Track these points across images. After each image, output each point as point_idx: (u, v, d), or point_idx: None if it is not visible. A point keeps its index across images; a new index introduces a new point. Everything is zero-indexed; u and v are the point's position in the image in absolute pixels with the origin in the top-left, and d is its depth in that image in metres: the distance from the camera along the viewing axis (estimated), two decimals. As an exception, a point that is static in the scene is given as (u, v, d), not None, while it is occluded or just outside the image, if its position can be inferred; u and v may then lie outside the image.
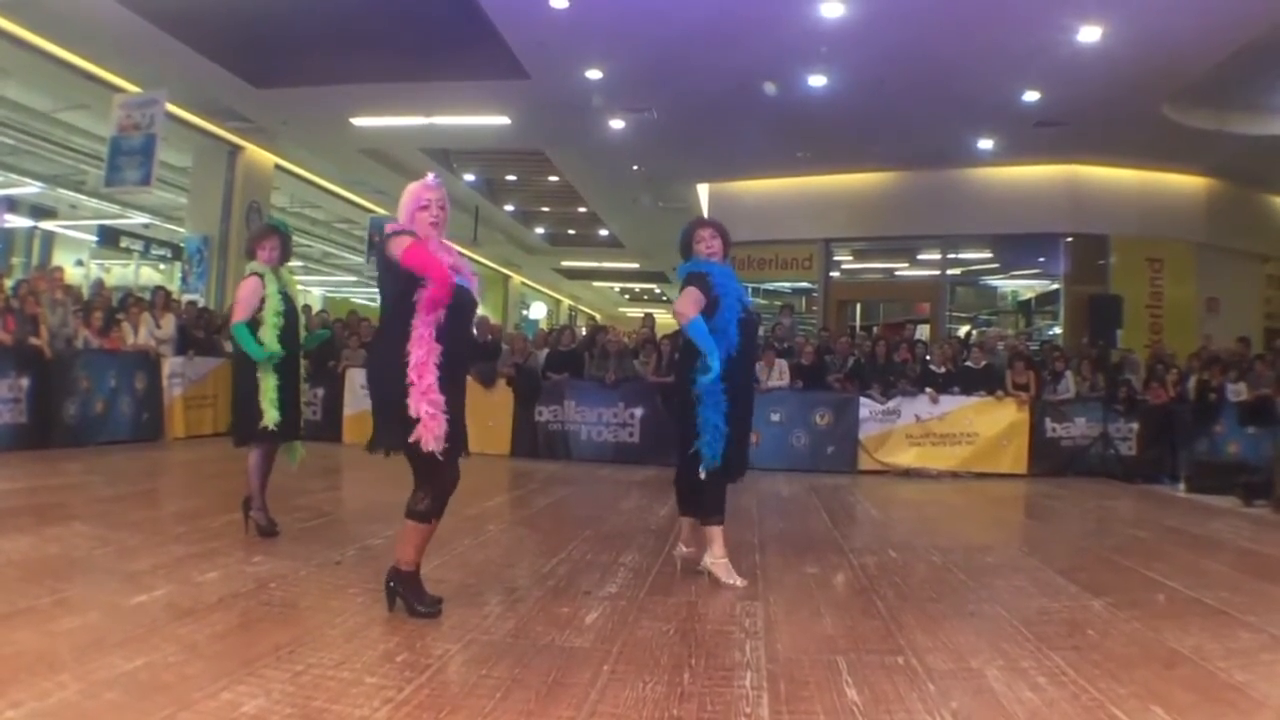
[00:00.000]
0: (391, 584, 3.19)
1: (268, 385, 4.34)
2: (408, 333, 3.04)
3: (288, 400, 4.41)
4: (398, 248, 3.02)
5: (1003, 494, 7.98)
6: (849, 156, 12.50)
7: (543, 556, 4.33)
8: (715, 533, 3.94)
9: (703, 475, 3.84)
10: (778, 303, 14.14)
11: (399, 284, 3.08)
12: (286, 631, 2.93)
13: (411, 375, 3.01)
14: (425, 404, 3.01)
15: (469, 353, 3.23)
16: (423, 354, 3.02)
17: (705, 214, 14.62)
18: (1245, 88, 9.54)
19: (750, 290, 13.48)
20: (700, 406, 3.81)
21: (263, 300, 4.37)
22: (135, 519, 4.78)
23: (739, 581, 3.85)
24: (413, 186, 3.24)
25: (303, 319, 4.67)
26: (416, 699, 2.41)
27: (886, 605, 3.64)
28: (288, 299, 4.50)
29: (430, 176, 3.29)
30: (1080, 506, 7.31)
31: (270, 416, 4.33)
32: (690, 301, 3.76)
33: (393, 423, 3.07)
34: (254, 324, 4.36)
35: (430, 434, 3.00)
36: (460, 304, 3.12)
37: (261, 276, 4.41)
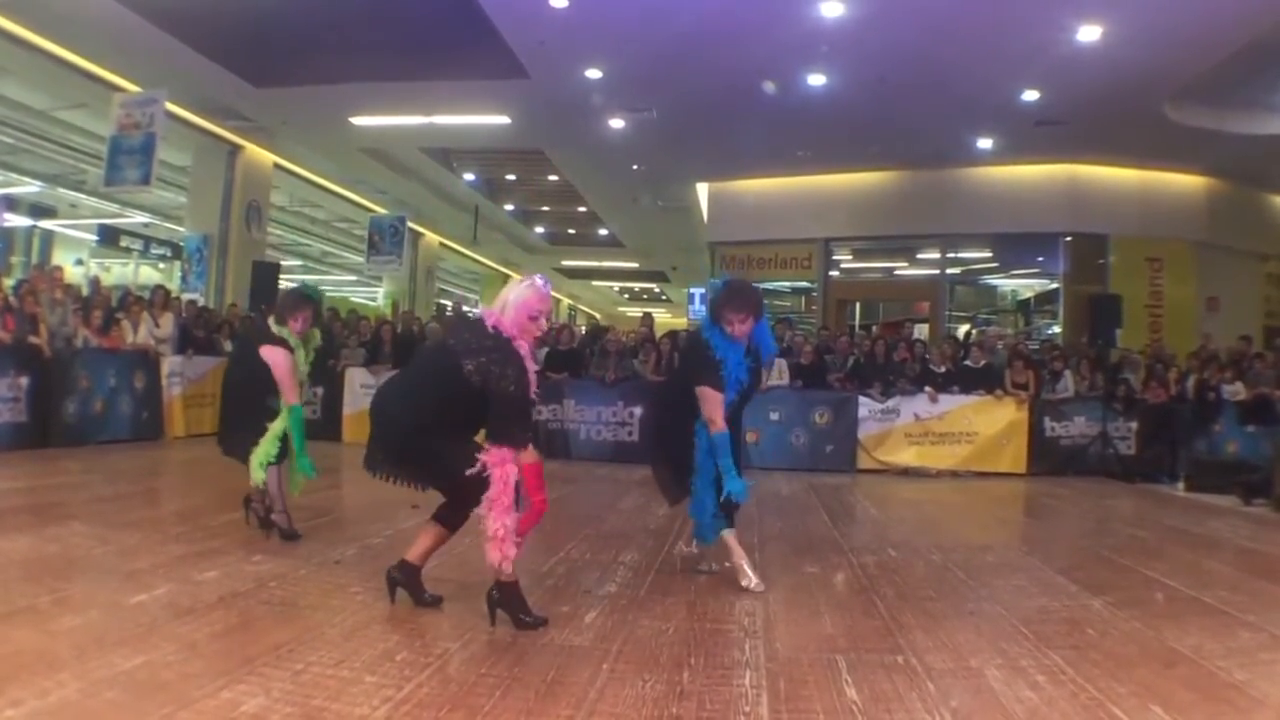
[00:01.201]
0: (495, 594, 3.13)
1: (268, 442, 4.36)
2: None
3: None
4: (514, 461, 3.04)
5: (1002, 493, 7.98)
6: (849, 156, 12.50)
7: (542, 555, 4.33)
8: (726, 536, 3.93)
9: (695, 549, 4.02)
10: (778, 302, 14.12)
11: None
12: (286, 630, 2.93)
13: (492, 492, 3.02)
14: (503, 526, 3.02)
15: None
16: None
17: (705, 214, 14.62)
18: (1245, 88, 9.54)
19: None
20: (699, 455, 3.88)
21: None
22: (135, 518, 4.79)
23: (755, 584, 3.79)
24: (524, 292, 3.12)
25: (311, 355, 4.69)
26: (416, 697, 2.41)
27: (886, 604, 3.65)
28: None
29: (542, 281, 3.20)
30: (1079, 506, 7.31)
31: (256, 478, 4.37)
32: (717, 407, 3.77)
33: (420, 461, 3.12)
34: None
35: (498, 554, 3.04)
36: None
37: (291, 349, 4.39)
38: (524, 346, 3.08)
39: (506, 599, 3.12)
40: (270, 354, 4.33)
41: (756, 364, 3.93)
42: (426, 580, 3.37)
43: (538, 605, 3.37)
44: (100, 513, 4.84)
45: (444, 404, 3.06)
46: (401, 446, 3.12)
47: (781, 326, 10.36)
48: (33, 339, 7.67)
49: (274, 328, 4.43)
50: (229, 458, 4.67)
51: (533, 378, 3.08)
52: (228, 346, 9.42)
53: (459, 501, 3.22)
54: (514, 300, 3.10)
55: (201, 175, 13.24)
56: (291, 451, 4.54)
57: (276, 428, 4.38)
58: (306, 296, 4.62)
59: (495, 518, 3.01)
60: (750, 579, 3.80)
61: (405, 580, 3.31)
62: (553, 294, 3.30)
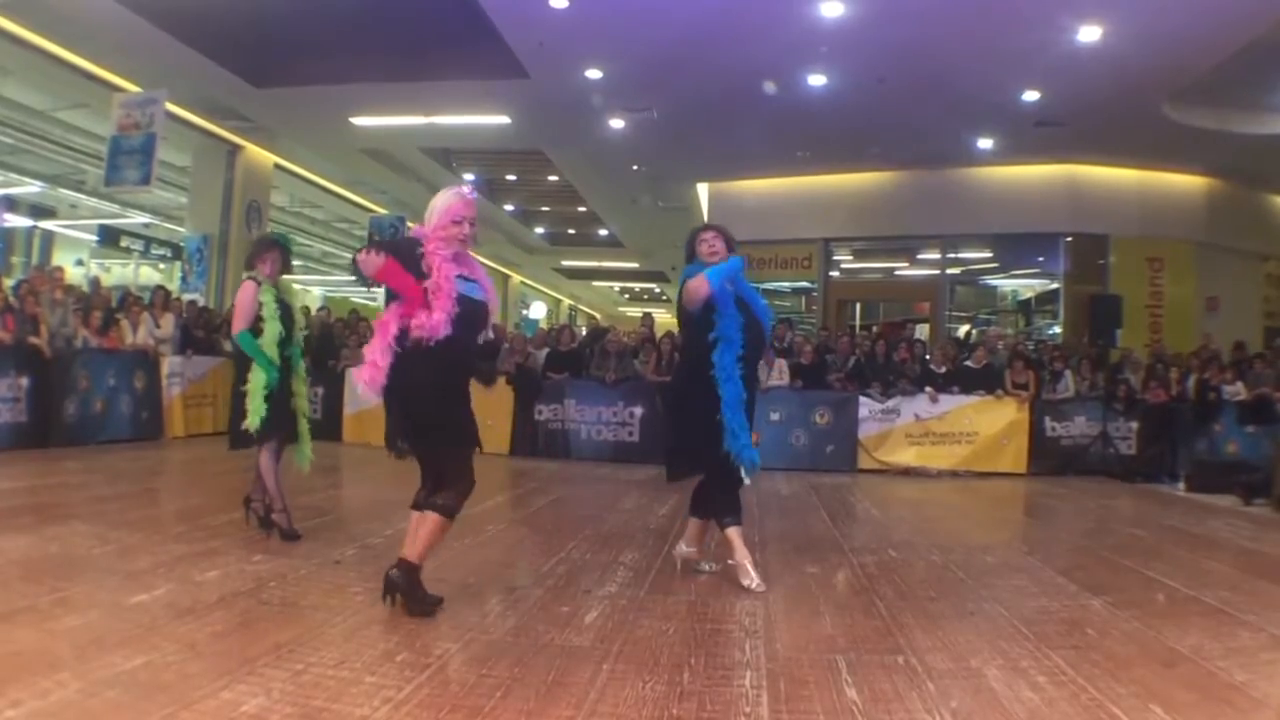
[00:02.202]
0: (394, 573, 3.16)
1: (255, 387, 4.37)
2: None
3: (278, 401, 4.43)
4: (369, 267, 3.03)
5: (1002, 493, 7.98)
6: (849, 156, 12.50)
7: (542, 556, 4.33)
8: (732, 534, 3.89)
9: (747, 480, 3.80)
10: (779, 302, 14.11)
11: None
12: (286, 630, 2.93)
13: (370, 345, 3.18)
14: (375, 353, 3.11)
15: (472, 358, 3.30)
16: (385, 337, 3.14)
17: (705, 214, 14.64)
18: (1246, 88, 9.54)
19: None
20: (724, 408, 3.75)
21: (261, 306, 4.43)
22: (135, 518, 4.79)
23: (756, 584, 3.78)
24: (449, 198, 3.20)
25: (300, 320, 4.71)
26: (416, 698, 2.41)
27: (886, 605, 3.64)
28: (284, 306, 4.55)
29: (468, 189, 3.26)
30: (1079, 506, 7.30)
31: (251, 422, 4.34)
32: (698, 278, 3.79)
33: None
34: (255, 331, 4.41)
35: (361, 377, 3.15)
36: (465, 314, 3.14)
37: (259, 283, 4.47)
38: (437, 250, 3.12)
39: (405, 579, 3.15)
40: (240, 290, 4.49)
41: (751, 320, 3.86)
42: (425, 581, 3.35)
43: (538, 605, 3.38)
44: (100, 513, 4.84)
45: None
46: (416, 421, 3.20)
47: (782, 327, 10.35)
48: (33, 339, 7.67)
49: (245, 272, 4.59)
50: (234, 450, 4.65)
51: (438, 270, 3.09)
52: (228, 347, 9.42)
53: (439, 479, 3.25)
54: (439, 206, 3.20)
55: (202, 175, 13.24)
56: (298, 438, 4.56)
57: (254, 380, 4.39)
58: (274, 241, 4.72)
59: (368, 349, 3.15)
60: (752, 579, 3.80)
61: (404, 582, 3.28)
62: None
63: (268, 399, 4.36)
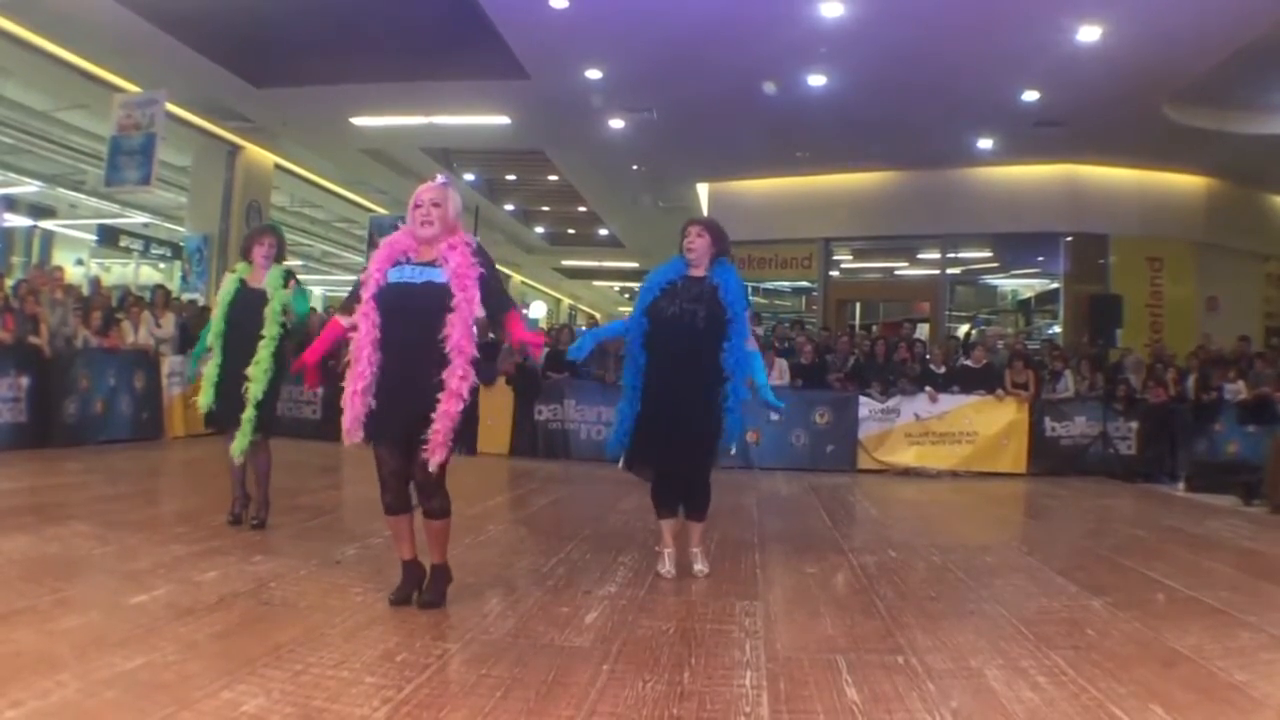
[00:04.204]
0: (428, 596, 3.29)
1: (206, 373, 4.55)
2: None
3: (228, 390, 4.46)
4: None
5: (1002, 493, 7.98)
6: (849, 156, 12.50)
7: (542, 556, 4.33)
8: (662, 525, 4.07)
9: (620, 465, 4.02)
10: (779, 301, 14.14)
11: None
12: (286, 631, 2.93)
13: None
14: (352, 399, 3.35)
15: (424, 344, 3.20)
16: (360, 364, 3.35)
17: (705, 213, 14.66)
18: (1245, 88, 9.54)
19: (750, 290, 13.47)
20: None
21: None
22: (135, 518, 4.79)
23: (664, 571, 3.96)
24: (417, 187, 3.32)
25: (276, 311, 4.52)
26: (416, 698, 2.40)
27: (886, 604, 3.64)
28: (254, 294, 4.50)
29: (438, 178, 3.34)
30: (1079, 506, 7.31)
31: (202, 403, 4.56)
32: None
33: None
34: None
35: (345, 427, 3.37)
36: (390, 302, 3.22)
37: (234, 272, 4.60)
38: (395, 242, 3.25)
39: (446, 581, 3.35)
40: None
41: (700, 301, 3.83)
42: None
43: (538, 605, 3.39)
44: (100, 513, 4.84)
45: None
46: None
47: (783, 328, 10.37)
48: (33, 339, 7.67)
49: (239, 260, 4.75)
50: (270, 438, 4.71)
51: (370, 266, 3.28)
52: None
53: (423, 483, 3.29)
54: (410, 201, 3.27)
55: (202, 175, 13.25)
56: (242, 425, 4.46)
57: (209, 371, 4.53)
58: (270, 227, 4.83)
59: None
60: (665, 566, 3.97)
61: (445, 583, 3.34)
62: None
63: (216, 385, 4.48)
